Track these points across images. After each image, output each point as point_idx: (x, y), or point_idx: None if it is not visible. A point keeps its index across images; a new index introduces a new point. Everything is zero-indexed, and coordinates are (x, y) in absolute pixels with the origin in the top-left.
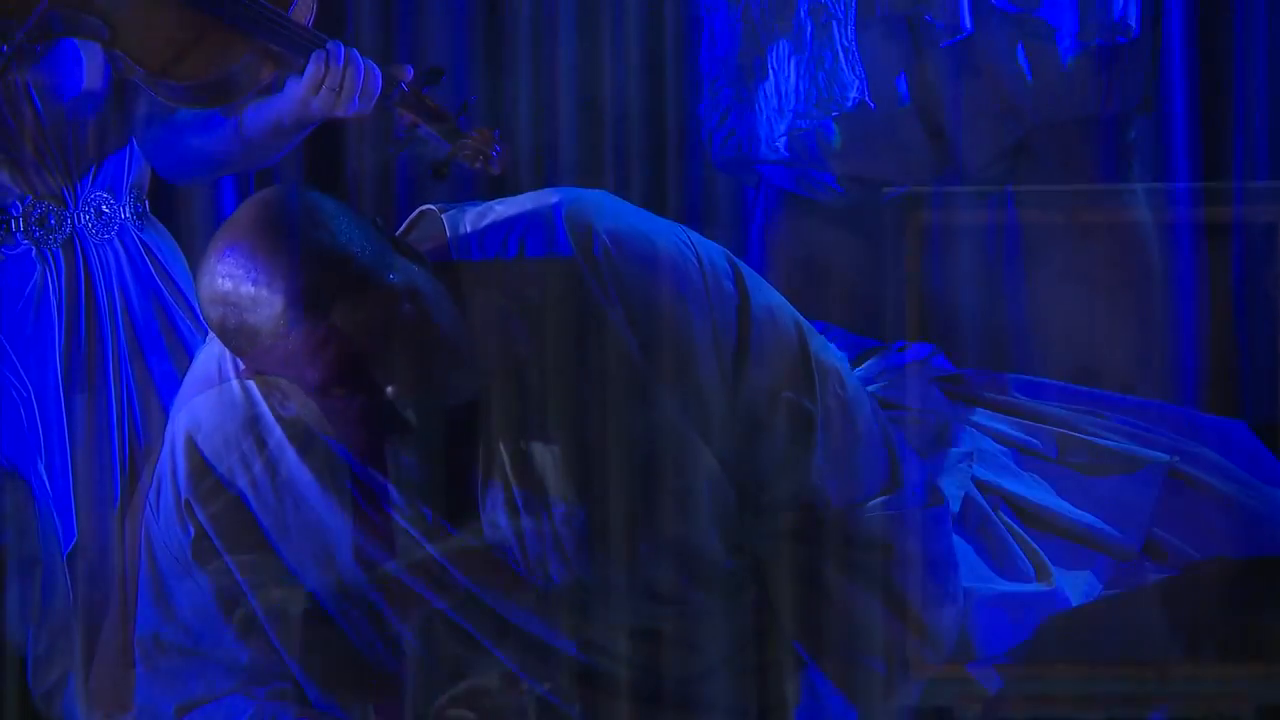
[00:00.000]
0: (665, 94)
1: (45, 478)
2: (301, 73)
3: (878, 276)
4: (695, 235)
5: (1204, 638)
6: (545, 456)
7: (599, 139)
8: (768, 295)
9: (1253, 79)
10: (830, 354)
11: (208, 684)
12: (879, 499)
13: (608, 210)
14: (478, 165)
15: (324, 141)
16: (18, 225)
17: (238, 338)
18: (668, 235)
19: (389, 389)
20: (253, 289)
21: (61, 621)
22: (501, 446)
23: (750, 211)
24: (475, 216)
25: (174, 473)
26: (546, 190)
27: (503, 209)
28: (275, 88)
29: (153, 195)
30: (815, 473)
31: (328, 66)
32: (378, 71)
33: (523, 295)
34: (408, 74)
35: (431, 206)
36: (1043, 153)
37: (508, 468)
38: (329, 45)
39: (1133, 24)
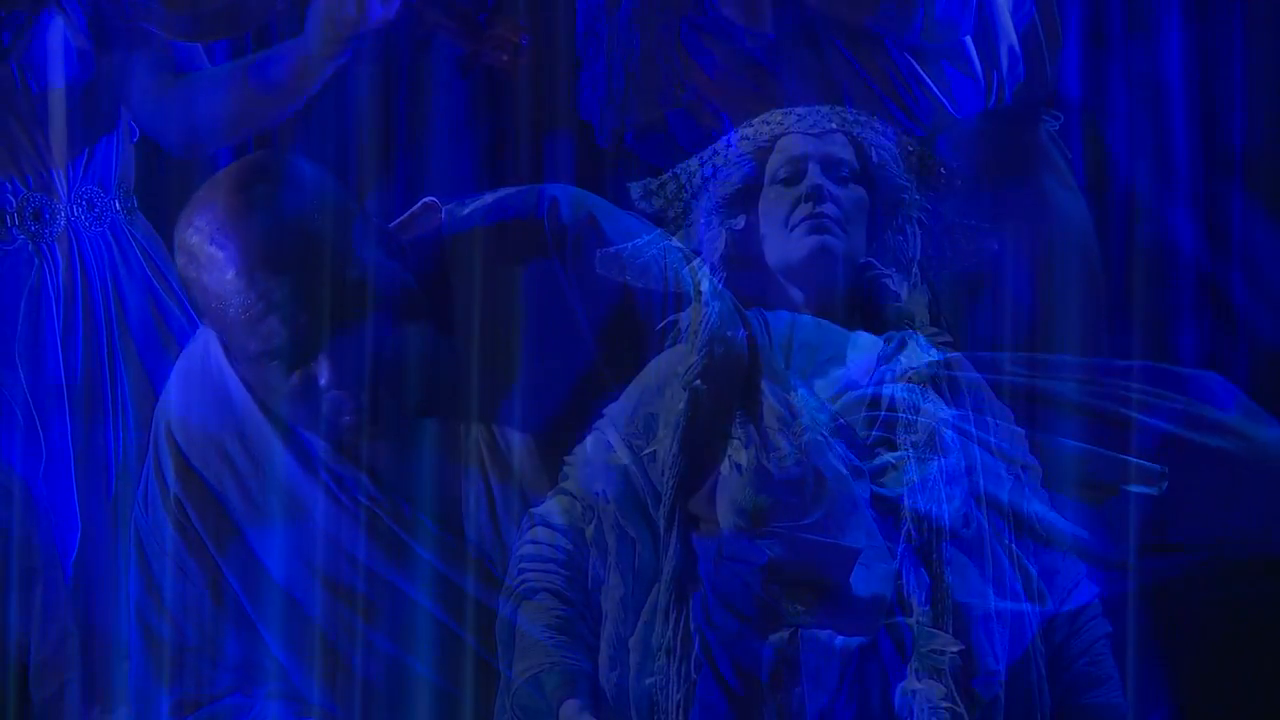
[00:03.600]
0: None
1: (45, 482)
2: None
3: None
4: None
5: None
6: (517, 445)
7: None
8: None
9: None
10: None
11: (201, 682)
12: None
13: (594, 199)
14: (504, 59)
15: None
16: (13, 220)
17: (194, 291)
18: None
19: (321, 382)
20: (210, 249)
21: (62, 630)
22: (476, 436)
23: None
24: (472, 202)
25: (159, 467)
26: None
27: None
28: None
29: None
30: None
31: None
32: None
33: (494, 260)
34: None
35: (435, 200)
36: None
37: (485, 458)
38: None
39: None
